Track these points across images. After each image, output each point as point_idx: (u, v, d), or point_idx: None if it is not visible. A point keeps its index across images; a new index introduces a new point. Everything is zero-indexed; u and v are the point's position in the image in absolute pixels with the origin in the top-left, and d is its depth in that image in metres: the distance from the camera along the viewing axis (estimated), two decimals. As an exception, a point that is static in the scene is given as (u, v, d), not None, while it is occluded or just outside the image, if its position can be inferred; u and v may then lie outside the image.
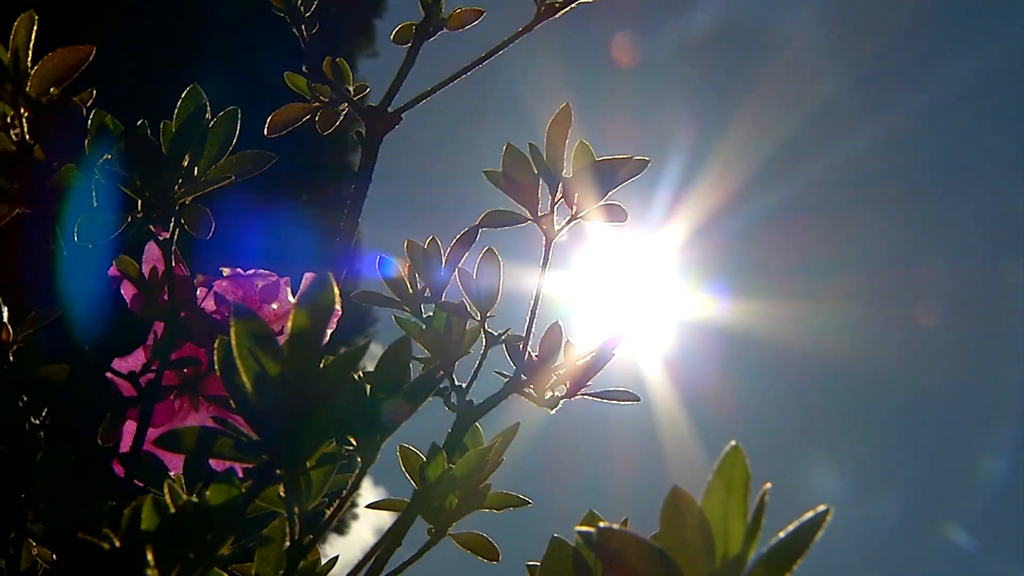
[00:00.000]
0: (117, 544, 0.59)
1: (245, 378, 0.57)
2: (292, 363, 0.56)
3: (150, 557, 0.58)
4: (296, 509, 0.68)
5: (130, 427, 0.95)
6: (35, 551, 0.92)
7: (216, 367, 0.60)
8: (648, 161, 1.01)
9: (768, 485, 0.54)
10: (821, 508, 0.52)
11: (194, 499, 0.59)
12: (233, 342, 0.57)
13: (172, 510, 0.59)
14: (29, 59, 0.85)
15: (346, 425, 0.63)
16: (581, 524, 0.73)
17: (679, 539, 0.52)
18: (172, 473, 0.93)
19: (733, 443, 0.53)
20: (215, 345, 0.80)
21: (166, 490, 0.61)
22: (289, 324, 0.56)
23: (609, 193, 1.00)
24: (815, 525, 0.52)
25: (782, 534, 0.52)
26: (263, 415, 0.59)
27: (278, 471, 0.59)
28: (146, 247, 0.92)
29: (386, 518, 0.91)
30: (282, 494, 0.68)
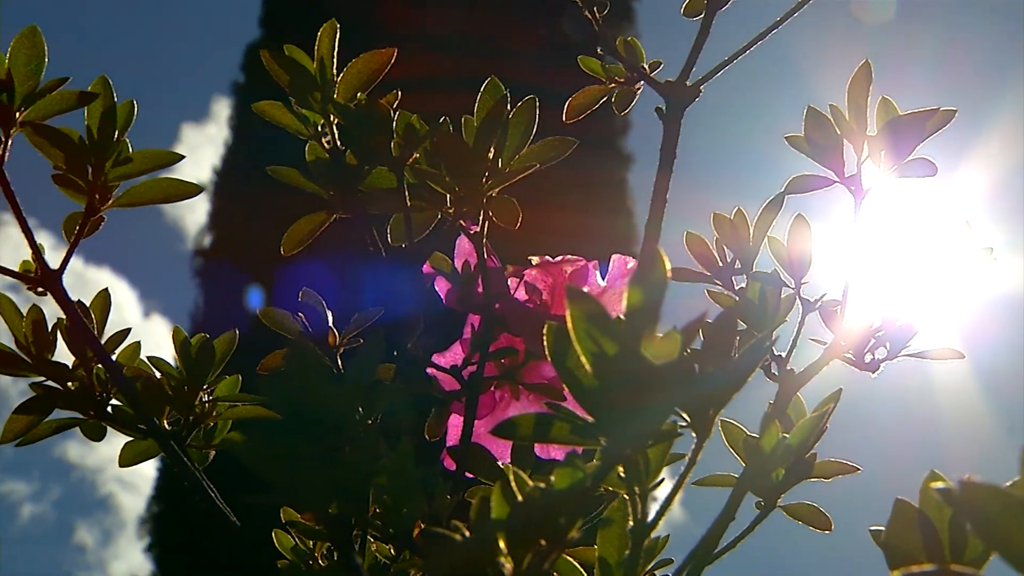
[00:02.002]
0: (467, 534, 0.60)
1: (584, 359, 0.57)
2: (630, 341, 0.56)
3: (502, 545, 0.59)
4: (636, 489, 0.67)
5: (454, 420, 0.97)
6: (373, 547, 0.95)
7: (547, 352, 0.60)
8: (955, 112, 0.97)
9: None
10: None
11: (540, 485, 0.60)
12: (569, 324, 0.57)
13: (519, 498, 0.59)
14: (334, 67, 0.87)
15: (681, 401, 0.63)
16: (928, 482, 0.70)
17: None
18: (500, 463, 0.95)
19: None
20: (543, 331, 0.81)
21: (511, 478, 0.61)
22: (624, 302, 0.56)
23: (916, 148, 0.97)
24: None
25: None
26: (601, 396, 0.59)
27: (626, 451, 0.59)
28: (457, 242, 0.94)
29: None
30: (621, 474, 0.68)
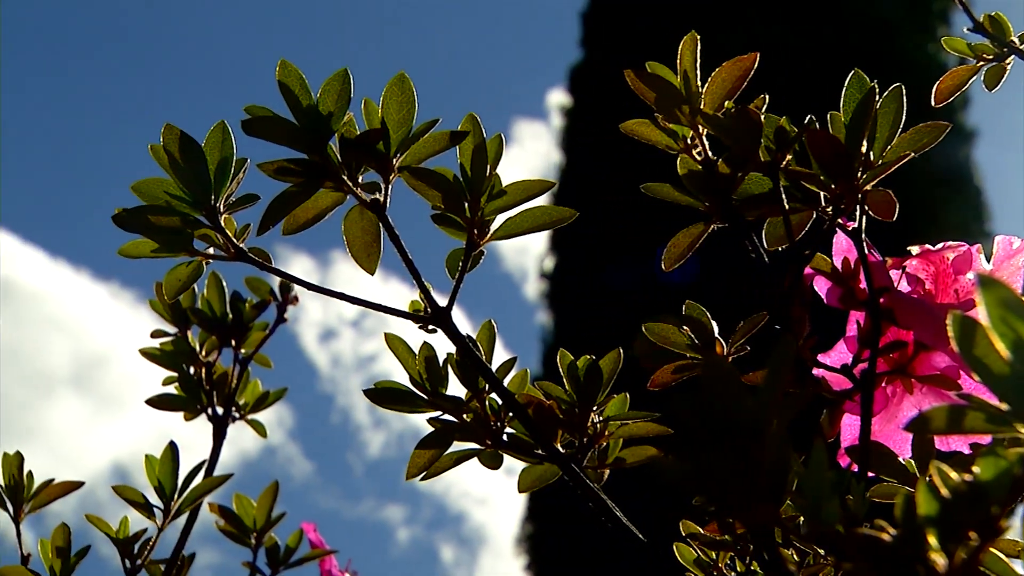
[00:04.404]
0: (892, 533, 0.59)
1: (1001, 346, 0.55)
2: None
3: (932, 540, 0.58)
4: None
5: (846, 420, 0.96)
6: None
7: (952, 342, 0.59)
8: None
9: None
10: None
11: (966, 478, 0.58)
12: (983, 311, 0.55)
13: (944, 492, 0.58)
14: (698, 79, 0.88)
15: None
16: None
17: None
18: (901, 458, 0.93)
19: None
20: (932, 321, 0.79)
21: (933, 472, 0.60)
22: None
23: None
24: None
25: None
26: (1018, 382, 0.57)
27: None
28: (834, 240, 0.93)
29: None
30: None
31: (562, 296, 11.04)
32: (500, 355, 1.00)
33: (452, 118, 0.93)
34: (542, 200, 0.97)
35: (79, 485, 1.25)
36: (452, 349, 0.98)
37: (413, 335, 1.02)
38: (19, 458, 1.22)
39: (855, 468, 0.88)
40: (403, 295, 0.98)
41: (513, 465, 1.03)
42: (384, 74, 0.93)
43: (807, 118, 0.87)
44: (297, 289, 1.44)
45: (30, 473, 1.22)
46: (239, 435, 1.38)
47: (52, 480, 1.24)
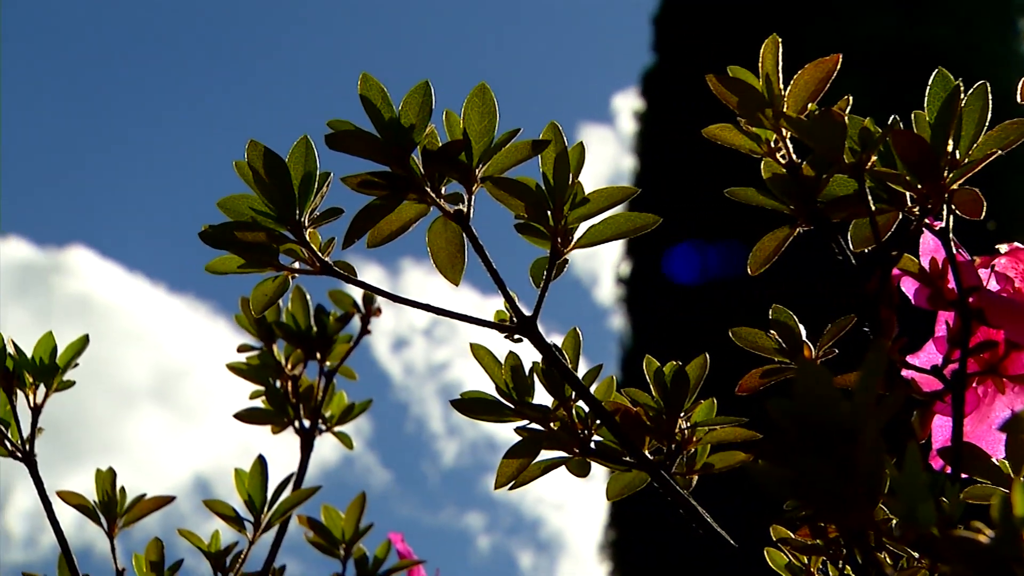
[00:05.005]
0: (990, 534, 0.59)
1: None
2: None
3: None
4: None
5: (938, 421, 0.95)
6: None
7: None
8: None
9: None
10: None
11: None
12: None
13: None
14: (780, 82, 0.87)
15: None
16: None
17: None
18: (994, 459, 0.92)
19: None
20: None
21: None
22: None
23: None
24: None
25: None
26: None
27: None
28: (921, 240, 0.92)
29: None
30: None
31: (640, 301, 11.01)
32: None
33: (519, 123, 0.93)
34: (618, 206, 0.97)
35: (170, 500, 1.26)
36: (533, 357, 0.99)
37: (491, 344, 1.02)
38: (111, 474, 1.23)
39: (948, 470, 0.87)
40: (475, 303, 0.99)
41: (592, 471, 1.03)
42: (451, 80, 0.94)
43: (891, 118, 0.86)
44: (377, 300, 1.44)
45: (122, 489, 1.24)
46: (318, 445, 1.38)
47: (144, 495, 1.25)
